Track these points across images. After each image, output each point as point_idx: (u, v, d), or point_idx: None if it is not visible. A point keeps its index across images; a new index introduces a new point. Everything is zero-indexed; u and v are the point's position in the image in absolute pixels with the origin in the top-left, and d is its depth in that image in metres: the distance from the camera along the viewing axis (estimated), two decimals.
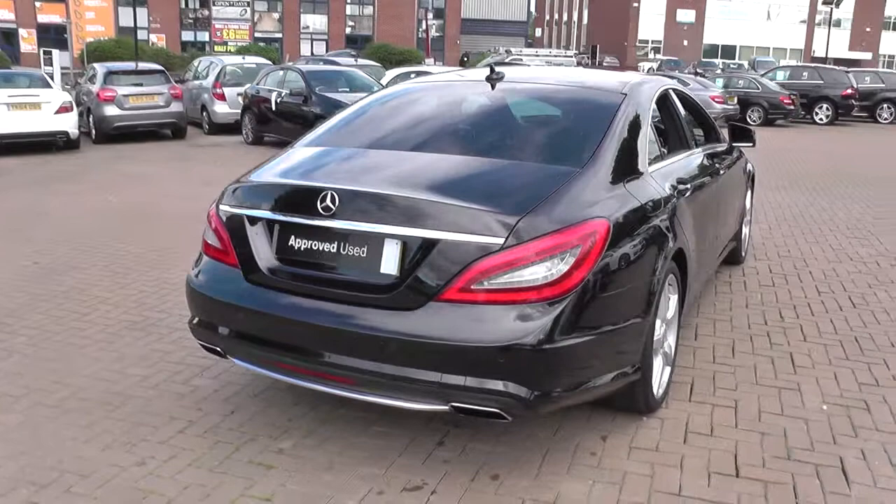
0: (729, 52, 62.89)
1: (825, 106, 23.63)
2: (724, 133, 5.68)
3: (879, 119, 24.29)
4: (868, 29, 64.16)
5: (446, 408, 2.75)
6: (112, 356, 4.11)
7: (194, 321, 3.28)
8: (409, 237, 2.75)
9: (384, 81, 14.92)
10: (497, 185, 2.95)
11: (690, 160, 4.24)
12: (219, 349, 3.18)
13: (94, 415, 3.46)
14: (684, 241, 3.58)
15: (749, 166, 5.99)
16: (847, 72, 25.20)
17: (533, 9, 77.73)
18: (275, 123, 12.88)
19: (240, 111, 13.88)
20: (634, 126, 3.48)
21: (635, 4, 63.37)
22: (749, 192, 6.06)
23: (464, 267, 2.67)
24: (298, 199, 2.98)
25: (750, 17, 64.34)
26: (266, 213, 3.02)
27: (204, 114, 14.97)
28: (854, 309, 5.12)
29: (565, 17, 76.15)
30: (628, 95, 3.61)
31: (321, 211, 2.85)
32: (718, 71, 45.10)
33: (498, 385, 2.64)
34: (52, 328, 4.52)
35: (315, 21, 41.41)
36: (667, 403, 3.63)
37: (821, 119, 23.59)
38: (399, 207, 2.81)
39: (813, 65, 28.73)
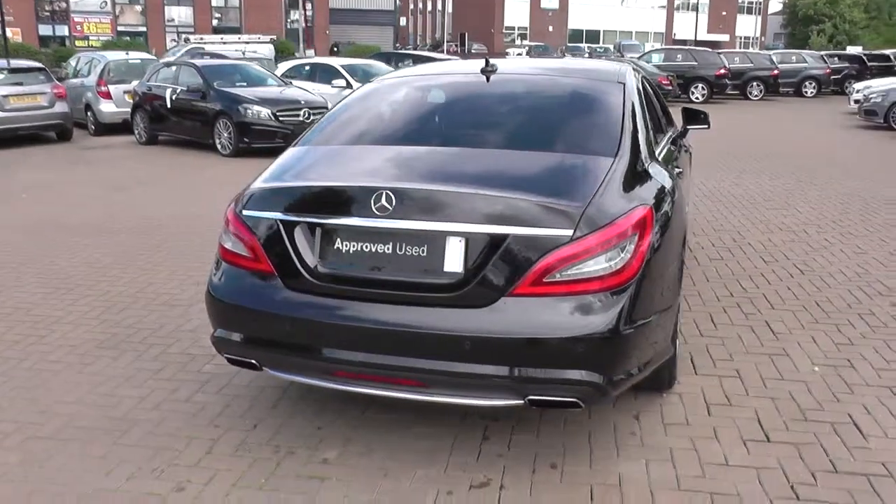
0: (593, 36, 65.39)
1: (700, 85, 25.13)
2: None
3: (750, 96, 26.24)
4: (724, 13, 68.46)
5: (521, 402, 2.73)
6: (94, 379, 3.79)
7: (220, 334, 3.07)
8: (474, 234, 2.70)
9: (279, 73, 14.51)
10: (548, 176, 2.95)
11: (669, 143, 4.40)
12: (253, 362, 3.00)
13: (102, 443, 3.19)
14: (685, 221, 3.73)
15: (690, 146, 6.28)
16: (719, 53, 26.98)
17: None
18: (170, 122, 12.23)
19: (129, 110, 13.05)
20: (638, 112, 3.56)
21: None
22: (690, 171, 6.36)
23: (535, 261, 2.65)
24: (347, 200, 2.85)
25: (611, 2, 67.07)
26: (306, 217, 2.87)
27: (89, 114, 13.97)
28: (803, 275, 5.48)
29: (430, 6, 76.51)
30: (626, 84, 3.68)
31: (376, 211, 2.74)
32: (586, 55, 46.81)
33: (574, 374, 2.66)
34: (13, 354, 4.12)
35: (180, 13, 39.47)
36: (678, 379, 3.76)
37: (697, 98, 24.99)
38: (462, 204, 2.75)
39: (687, 47, 30.50)
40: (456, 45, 49.41)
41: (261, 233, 2.94)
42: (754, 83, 26.49)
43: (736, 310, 4.77)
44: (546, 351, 2.66)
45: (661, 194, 3.16)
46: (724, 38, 66.70)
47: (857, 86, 21.13)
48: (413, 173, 2.99)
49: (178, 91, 11.97)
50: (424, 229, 2.74)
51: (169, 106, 12.03)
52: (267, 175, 3.18)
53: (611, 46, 54.21)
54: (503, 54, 50.03)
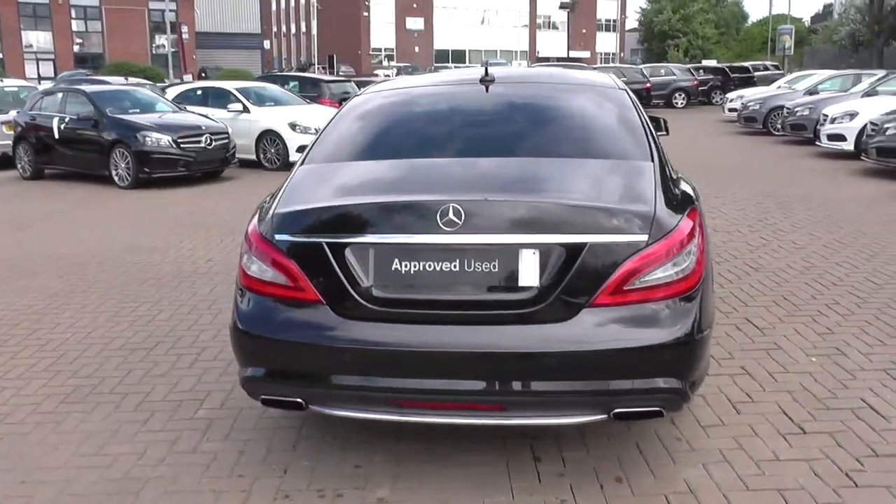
0: (459, 56, 66.65)
1: None
2: None
3: (675, 105, 28.03)
4: (584, 31, 71.60)
5: (605, 416, 2.62)
6: (73, 438, 3.35)
7: (253, 374, 2.78)
8: (550, 244, 2.57)
9: (170, 98, 13.79)
10: (606, 182, 2.86)
11: None
12: (299, 400, 2.72)
13: None
14: None
15: None
16: (642, 69, 28.41)
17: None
18: (59, 153, 11.27)
19: (10, 143, 11.95)
20: (646, 117, 3.56)
21: (365, 14, 64.79)
22: None
23: (614, 269, 2.56)
24: (408, 216, 2.65)
25: (474, 22, 68.73)
26: (358, 238, 2.64)
27: None
28: (758, 272, 5.70)
29: (293, 29, 75.60)
30: (628, 90, 3.68)
31: (443, 226, 2.55)
32: None
33: (660, 383, 2.58)
34: None
35: (39, 38, 36.96)
36: None
37: None
38: (534, 214, 2.62)
39: (572, 65, 31.68)
40: (324, 68, 48.99)
41: (302, 258, 2.68)
42: (677, 93, 28.46)
43: None
44: (633, 361, 2.57)
45: (695, 196, 3.16)
46: (586, 54, 69.82)
47: (730, 95, 22.78)
48: (472, 186, 2.81)
49: (66, 120, 11.08)
50: (496, 243, 2.58)
51: (57, 136, 11.10)
52: (295, 196, 2.90)
53: (478, 65, 55.47)
54: (371, 75, 50.03)
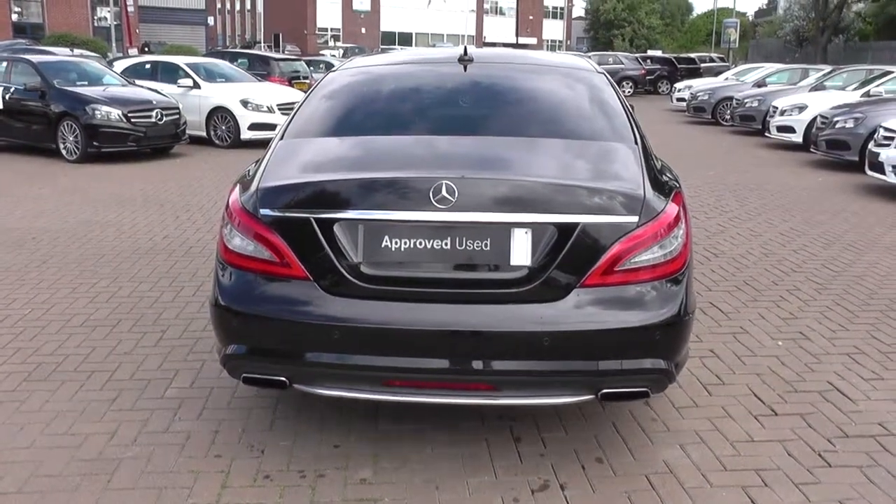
0: (405, 39, 66.14)
1: None
2: None
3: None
4: (531, 17, 71.73)
5: (592, 396, 2.63)
6: (40, 417, 3.20)
7: (234, 351, 2.70)
8: (542, 224, 2.56)
9: (118, 71, 13.33)
10: (596, 163, 2.85)
11: None
12: (282, 379, 2.66)
13: (89, 491, 2.69)
14: None
15: None
16: (590, 56, 28.48)
17: None
18: (2, 125, 10.76)
19: None
20: (626, 101, 3.57)
21: None
22: None
23: (606, 249, 2.56)
24: (400, 193, 2.59)
25: (421, 5, 68.15)
26: (348, 214, 2.58)
27: None
28: (718, 258, 5.82)
29: (238, 6, 73.82)
30: (606, 74, 3.68)
31: (436, 204, 2.52)
32: None
33: (648, 363, 2.60)
34: None
35: None
36: None
37: None
38: (527, 193, 2.59)
39: (525, 51, 31.81)
40: (269, 47, 48.01)
41: (288, 233, 2.61)
42: (624, 81, 28.49)
43: None
44: (622, 342, 2.58)
45: (677, 179, 3.19)
46: (533, 41, 70.04)
47: (679, 85, 23.14)
48: (464, 163, 2.77)
49: (10, 90, 10.60)
50: (488, 222, 2.56)
51: (1, 107, 10.63)
52: (280, 169, 2.82)
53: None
54: (318, 56, 49.18)
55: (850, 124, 10.10)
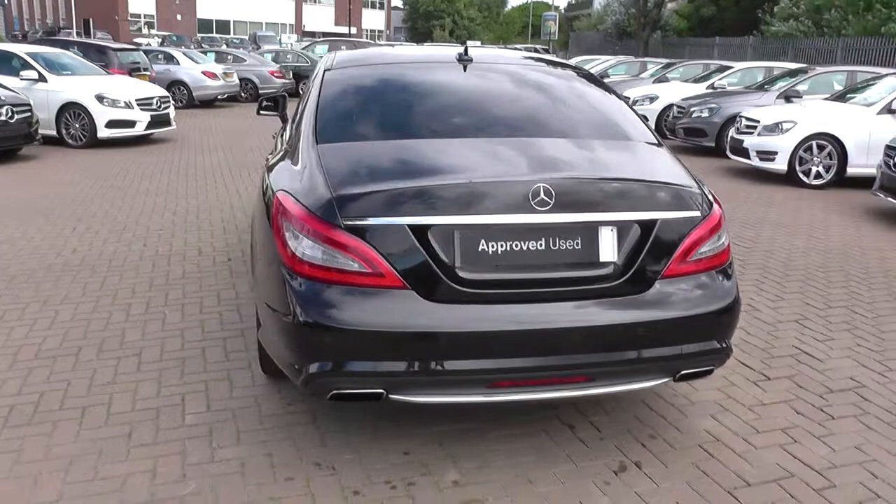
0: (223, 27, 63.52)
1: None
2: None
3: None
4: (351, 7, 71.17)
5: (670, 379, 2.80)
6: (50, 467, 2.88)
7: (320, 369, 2.58)
8: (625, 221, 2.69)
9: None
10: (651, 163, 3.02)
11: None
12: (380, 391, 2.58)
13: None
14: None
15: None
16: (380, 45, 28.33)
17: None
18: None
19: None
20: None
21: None
22: None
23: (679, 242, 2.74)
24: (498, 197, 2.59)
25: None
26: (443, 219, 2.55)
27: None
28: None
29: None
30: (592, 73, 3.88)
31: (535, 206, 2.56)
32: (223, 46, 45.59)
33: (714, 344, 2.81)
34: None
35: None
36: None
37: None
38: (611, 193, 2.71)
39: (353, 40, 31.48)
40: (79, 33, 44.15)
41: (381, 242, 2.53)
42: None
43: None
44: (699, 326, 2.77)
45: None
46: (353, 30, 69.80)
47: None
48: (550, 166, 2.81)
49: None
50: (580, 221, 2.64)
51: None
52: (352, 176, 2.71)
53: (245, 37, 53.47)
54: (131, 43, 45.82)
55: (705, 114, 11.18)
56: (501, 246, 2.59)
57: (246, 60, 21.37)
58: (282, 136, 4.39)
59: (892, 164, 7.11)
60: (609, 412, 3.33)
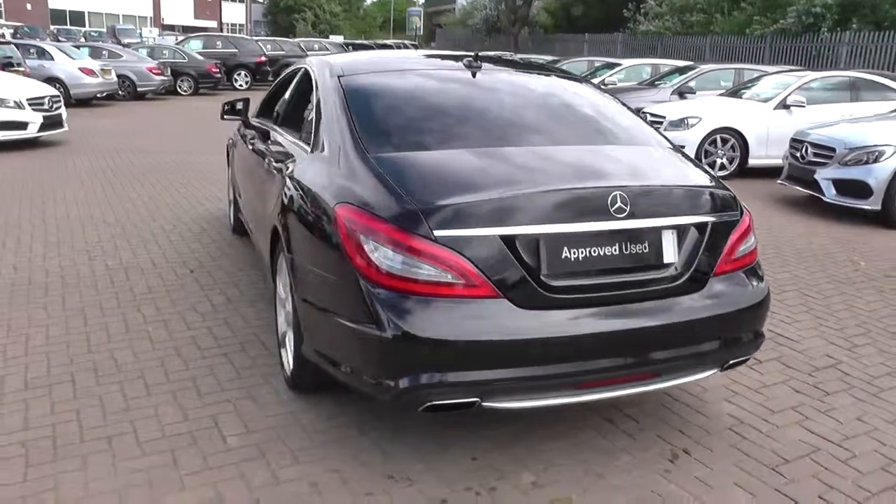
0: (78, 18, 59.62)
1: (243, 73, 25.48)
2: None
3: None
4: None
5: (717, 370, 3.00)
6: (100, 501, 2.71)
7: (413, 383, 2.56)
8: (683, 224, 2.86)
9: None
10: (686, 168, 3.20)
11: None
12: (474, 399, 2.60)
13: None
14: None
15: None
16: (256, 40, 27.59)
17: None
18: None
19: None
20: None
21: None
22: None
23: (725, 242, 2.95)
24: (578, 204, 2.68)
25: None
26: (530, 228, 2.61)
27: None
28: None
29: None
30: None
31: (614, 213, 2.68)
32: (82, 39, 43.00)
33: (753, 333, 3.05)
34: None
35: None
36: None
37: (241, 85, 25.31)
38: (671, 198, 2.87)
39: (226, 34, 30.37)
40: None
41: (473, 253, 2.56)
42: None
43: None
44: (745, 318, 2.99)
45: None
46: (213, 24, 67.31)
47: None
48: (614, 173, 2.94)
49: None
50: (648, 226, 2.79)
51: None
52: (427, 188, 2.70)
53: (103, 30, 50.52)
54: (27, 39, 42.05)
55: None
56: (582, 252, 2.69)
57: (122, 56, 20.19)
58: (273, 141, 4.27)
59: (797, 155, 7.77)
60: (638, 403, 3.50)
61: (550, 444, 3.12)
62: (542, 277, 2.64)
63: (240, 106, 5.25)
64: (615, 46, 28.95)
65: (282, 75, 5.12)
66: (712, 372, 3.03)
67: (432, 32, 52.53)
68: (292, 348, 3.36)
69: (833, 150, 7.33)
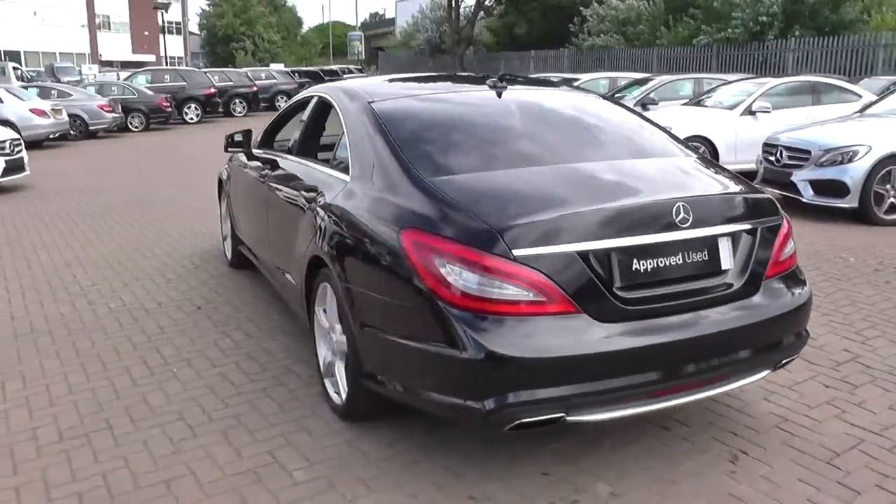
0: (14, 56, 58.02)
1: (193, 105, 25.20)
2: None
3: (234, 113, 27.77)
4: (147, 32, 67.63)
5: (770, 370, 3.10)
6: None
7: (501, 403, 2.58)
8: (737, 231, 2.96)
9: None
10: (723, 176, 3.30)
11: None
12: (561, 415, 2.64)
13: None
14: None
15: None
16: (205, 72, 27.37)
17: None
18: None
19: None
20: None
21: None
22: None
23: (773, 246, 3.06)
24: (645, 217, 2.76)
25: (26, 19, 60.39)
26: (602, 243, 2.68)
27: None
28: None
29: None
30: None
31: (679, 224, 2.76)
32: (13, 82, 41.93)
33: (801, 333, 3.15)
34: None
35: None
36: None
37: (192, 118, 25.01)
38: (724, 207, 2.99)
39: (173, 67, 30.02)
40: None
41: (552, 270, 2.60)
42: (237, 100, 27.98)
43: None
44: (796, 319, 3.09)
45: None
46: (151, 58, 66.39)
47: None
48: (672, 186, 3.03)
49: None
50: (708, 234, 2.87)
51: None
52: (498, 209, 2.74)
53: (41, 69, 49.36)
54: None
55: None
56: (650, 263, 2.77)
57: (72, 95, 19.74)
58: (292, 171, 4.24)
59: (772, 159, 8.05)
60: (684, 408, 3.55)
61: (614, 455, 3.15)
62: (615, 290, 2.70)
63: (239, 138, 5.22)
64: (561, 62, 29.53)
65: (286, 106, 5.11)
66: (767, 372, 3.11)
67: (374, 56, 52.74)
68: (344, 377, 3.34)
69: (808, 152, 7.61)
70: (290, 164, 4.34)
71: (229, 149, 5.26)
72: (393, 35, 52.65)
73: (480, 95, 3.78)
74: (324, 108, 4.26)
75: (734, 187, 3.20)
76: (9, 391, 3.94)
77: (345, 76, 37.26)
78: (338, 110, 3.83)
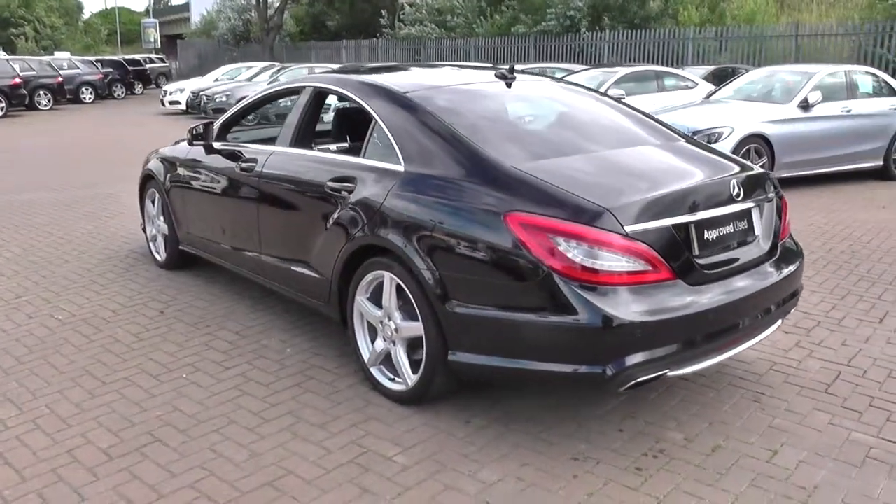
0: None
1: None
2: None
3: (39, 106, 25.22)
4: None
5: (780, 322, 3.65)
6: None
7: (625, 365, 2.88)
8: (762, 202, 3.50)
9: None
10: (729, 156, 3.82)
11: None
12: (666, 371, 3.00)
13: None
14: None
15: None
16: (7, 60, 24.69)
17: None
18: None
19: None
20: None
21: None
22: None
23: (780, 213, 3.65)
24: (713, 194, 3.23)
25: None
26: (688, 217, 3.09)
27: None
28: None
29: None
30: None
31: (734, 198, 3.25)
32: None
33: (798, 288, 3.74)
34: None
35: None
36: None
37: None
38: (751, 182, 3.46)
39: None
40: None
41: (655, 242, 2.96)
42: (41, 91, 25.34)
43: None
44: (798, 275, 3.67)
45: None
46: None
47: (169, 88, 23.38)
48: (712, 166, 3.52)
49: None
50: (748, 206, 3.40)
51: None
52: (595, 191, 3.05)
53: None
54: None
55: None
56: (715, 233, 3.23)
57: None
58: (304, 163, 4.16)
59: None
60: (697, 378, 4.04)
61: (663, 408, 3.54)
62: (695, 259, 3.11)
63: (201, 130, 5.00)
64: (375, 52, 29.72)
65: (251, 99, 4.95)
66: (780, 322, 3.68)
67: (171, 44, 49.77)
68: (407, 364, 3.50)
69: None
70: (293, 156, 4.25)
71: (195, 143, 5.02)
72: (188, 22, 49.89)
73: (503, 86, 4.01)
74: (323, 99, 4.28)
75: (748, 165, 3.73)
76: (24, 412, 3.58)
77: (148, 66, 35.23)
78: (361, 103, 3.87)
